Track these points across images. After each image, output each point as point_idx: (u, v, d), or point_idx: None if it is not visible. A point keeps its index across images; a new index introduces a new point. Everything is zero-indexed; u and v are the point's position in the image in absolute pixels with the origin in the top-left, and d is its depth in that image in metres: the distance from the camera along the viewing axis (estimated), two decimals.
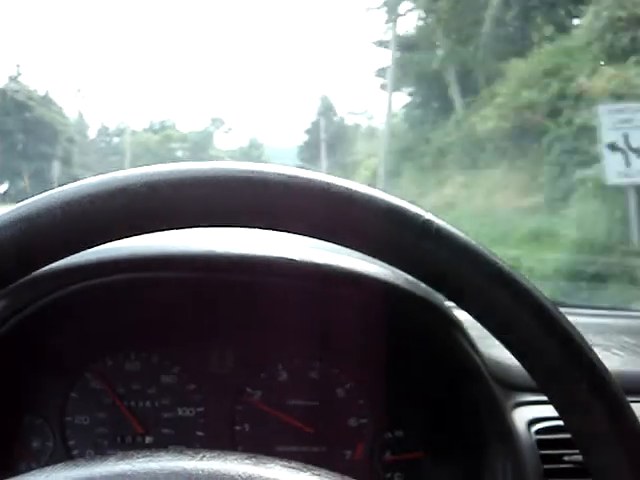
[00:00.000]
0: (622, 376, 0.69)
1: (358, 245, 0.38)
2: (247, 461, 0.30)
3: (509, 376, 0.70)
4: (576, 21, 8.83)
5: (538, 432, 0.67)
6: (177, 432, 0.70)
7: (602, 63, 6.88)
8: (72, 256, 0.36)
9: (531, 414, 0.68)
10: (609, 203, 5.55)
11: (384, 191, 0.37)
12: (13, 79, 12.03)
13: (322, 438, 0.71)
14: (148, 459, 0.30)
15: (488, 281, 0.36)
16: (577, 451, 0.62)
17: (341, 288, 0.64)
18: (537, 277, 4.57)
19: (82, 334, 0.68)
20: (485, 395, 0.63)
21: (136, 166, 0.38)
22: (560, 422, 0.65)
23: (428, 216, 0.37)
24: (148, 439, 0.70)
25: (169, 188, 0.35)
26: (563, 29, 8.62)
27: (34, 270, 0.36)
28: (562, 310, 0.39)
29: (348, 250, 0.39)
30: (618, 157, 4.83)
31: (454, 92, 10.46)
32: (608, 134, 4.91)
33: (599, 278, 4.41)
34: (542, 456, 0.66)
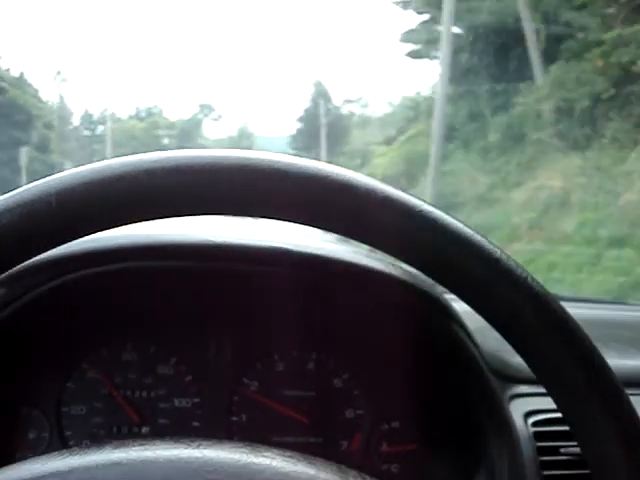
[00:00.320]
0: (619, 369, 0.71)
1: (356, 234, 0.39)
2: (243, 449, 0.31)
3: (506, 368, 0.73)
4: None
5: (535, 424, 0.70)
6: (173, 422, 0.72)
7: None
8: (68, 245, 0.38)
9: (528, 406, 0.71)
10: None
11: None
12: None
13: (318, 429, 0.74)
14: (144, 447, 0.31)
15: (486, 270, 0.37)
16: (573, 443, 0.65)
17: (338, 278, 0.66)
18: None
19: (78, 324, 0.70)
20: (482, 387, 0.65)
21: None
22: (557, 414, 0.68)
23: (425, 206, 0.37)
24: (145, 429, 0.72)
25: (170, 175, 0.36)
26: None
27: (29, 258, 0.37)
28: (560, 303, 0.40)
29: (346, 240, 0.41)
30: None
31: (532, 51, 8.59)
32: None
33: None
34: (539, 448, 0.68)
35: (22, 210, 0.35)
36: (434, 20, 10.98)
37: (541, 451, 0.68)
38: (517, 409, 0.71)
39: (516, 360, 0.71)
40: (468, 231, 0.38)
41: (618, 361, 0.79)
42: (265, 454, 0.31)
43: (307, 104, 16.03)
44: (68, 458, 0.31)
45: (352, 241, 0.41)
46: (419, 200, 0.38)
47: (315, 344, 0.75)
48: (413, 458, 0.74)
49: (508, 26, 8.95)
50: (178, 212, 0.37)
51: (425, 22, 11.65)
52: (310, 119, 15.51)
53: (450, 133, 9.73)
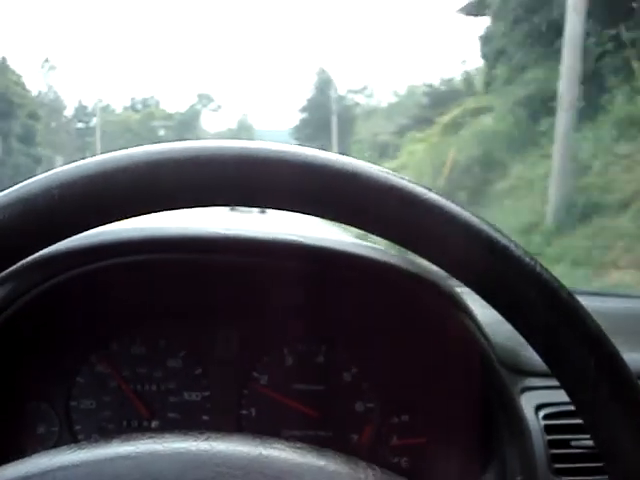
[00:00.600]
0: (630, 362, 0.73)
1: (363, 224, 0.39)
2: (252, 442, 0.32)
3: (517, 361, 0.75)
4: None
5: (546, 417, 0.72)
6: (183, 416, 0.75)
7: None
8: (77, 238, 0.39)
9: (539, 399, 0.73)
10: None
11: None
12: None
13: (328, 422, 0.76)
14: (152, 440, 0.32)
15: (494, 258, 0.38)
16: (584, 436, 0.68)
17: (348, 271, 0.68)
18: None
19: (87, 318, 0.72)
20: (493, 380, 0.67)
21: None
22: (568, 407, 0.70)
23: (431, 193, 0.38)
24: (154, 423, 0.75)
25: (174, 166, 0.36)
26: None
27: (33, 252, 0.38)
28: None
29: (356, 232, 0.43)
30: None
31: None
32: None
33: None
34: (549, 441, 0.71)
35: (24, 204, 0.35)
36: None
37: (552, 444, 0.71)
38: (528, 402, 0.73)
39: (527, 353, 0.73)
40: (475, 219, 0.38)
41: (625, 353, 0.81)
42: (274, 446, 0.32)
43: (310, 93, 15.94)
44: (76, 452, 0.31)
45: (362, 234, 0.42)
46: (423, 186, 0.39)
47: (324, 337, 0.77)
48: (423, 451, 0.76)
49: None
50: (183, 204, 0.38)
51: None
52: (314, 109, 15.41)
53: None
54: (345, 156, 0.39)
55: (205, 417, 0.75)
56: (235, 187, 0.37)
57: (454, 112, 11.88)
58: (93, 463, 0.31)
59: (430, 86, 13.40)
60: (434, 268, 0.42)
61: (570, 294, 0.39)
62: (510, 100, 10.07)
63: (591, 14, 8.02)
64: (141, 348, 0.76)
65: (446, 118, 12.09)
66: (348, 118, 15.29)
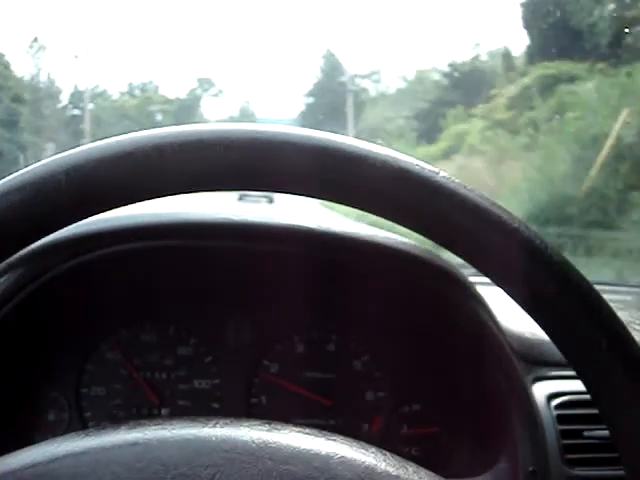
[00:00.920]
0: None
1: (370, 205, 0.40)
2: (261, 427, 0.33)
3: (529, 350, 0.77)
4: None
5: (558, 407, 0.74)
6: (193, 404, 0.78)
7: None
8: (85, 224, 0.39)
9: (551, 389, 0.75)
10: None
11: None
12: None
13: (339, 411, 0.79)
14: (160, 427, 0.33)
15: (504, 240, 0.39)
16: (598, 427, 0.70)
17: (360, 259, 0.71)
18: None
19: (97, 305, 0.75)
20: (505, 369, 0.69)
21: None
22: (580, 397, 0.72)
23: (442, 174, 0.39)
24: (164, 410, 0.78)
25: (181, 150, 0.36)
26: None
27: (41, 237, 0.38)
28: None
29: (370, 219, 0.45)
30: None
31: None
32: None
33: None
34: (562, 431, 0.73)
35: (32, 189, 0.36)
36: None
37: (564, 434, 0.72)
38: (540, 391, 0.75)
39: (540, 342, 0.76)
40: (485, 202, 0.39)
41: None
42: (283, 431, 0.33)
43: (317, 78, 15.86)
44: (83, 439, 0.33)
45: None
46: (435, 169, 0.40)
47: (335, 326, 0.80)
48: (434, 441, 0.79)
49: None
50: (190, 189, 0.38)
51: None
52: (321, 94, 15.33)
53: None
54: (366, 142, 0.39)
55: (215, 405, 0.78)
56: (242, 171, 0.38)
57: (524, 80, 10.81)
58: (100, 450, 0.32)
59: (452, 65, 13.09)
60: (447, 256, 0.43)
61: (580, 275, 0.40)
62: None
63: None
64: (151, 336, 0.79)
65: (512, 90, 11.05)
66: (356, 103, 15.21)
